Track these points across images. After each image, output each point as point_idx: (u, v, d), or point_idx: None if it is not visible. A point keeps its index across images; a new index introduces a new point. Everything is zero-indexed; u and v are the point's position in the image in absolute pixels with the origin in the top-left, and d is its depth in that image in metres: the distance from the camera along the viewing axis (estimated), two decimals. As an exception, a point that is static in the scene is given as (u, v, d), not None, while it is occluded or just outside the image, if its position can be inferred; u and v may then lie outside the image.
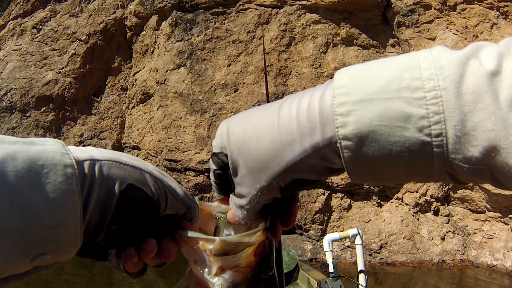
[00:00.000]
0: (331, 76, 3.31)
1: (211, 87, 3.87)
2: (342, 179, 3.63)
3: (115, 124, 4.31)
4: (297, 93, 0.26)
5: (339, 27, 3.99)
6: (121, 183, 0.25)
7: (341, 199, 3.74)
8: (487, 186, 3.83)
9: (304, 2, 3.95)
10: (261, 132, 0.26)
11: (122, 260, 0.28)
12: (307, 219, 3.73)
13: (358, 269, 1.65)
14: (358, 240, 1.70)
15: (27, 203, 0.22)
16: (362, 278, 1.62)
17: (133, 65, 4.56)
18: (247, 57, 3.87)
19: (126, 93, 4.45)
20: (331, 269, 1.59)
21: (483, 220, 4.06)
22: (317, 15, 3.97)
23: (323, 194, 3.71)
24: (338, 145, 0.22)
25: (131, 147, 4.32)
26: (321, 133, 0.23)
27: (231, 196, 0.29)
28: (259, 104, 3.44)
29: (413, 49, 4.22)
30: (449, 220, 4.02)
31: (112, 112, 4.33)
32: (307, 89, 0.25)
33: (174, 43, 4.19)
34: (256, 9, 4.00)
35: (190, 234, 0.30)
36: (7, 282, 0.23)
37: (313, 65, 3.79)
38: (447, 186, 4.03)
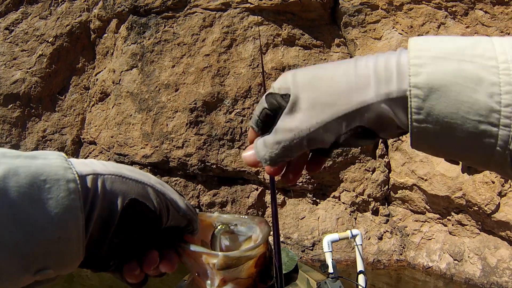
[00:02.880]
0: (268, 76, 3.91)
1: (156, 87, 4.57)
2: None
3: (76, 121, 5.14)
4: (369, 55, 0.28)
5: (281, 28, 4.55)
6: (124, 198, 0.28)
7: (273, 195, 4.29)
8: (425, 186, 4.22)
9: (247, 5, 4.55)
10: (335, 74, 0.27)
11: (124, 271, 0.31)
12: (241, 213, 4.30)
13: (358, 270, 1.76)
14: (358, 241, 1.80)
15: (29, 219, 0.23)
16: (361, 279, 1.73)
17: (96, 66, 5.38)
18: (189, 59, 4.53)
19: (88, 92, 5.27)
20: (330, 269, 1.69)
21: (422, 221, 4.43)
22: (260, 17, 4.55)
23: (256, 190, 4.28)
24: (408, 92, 0.24)
25: (88, 142, 5.13)
26: (397, 83, 0.25)
27: (262, 138, 0.31)
28: (195, 104, 4.07)
29: (359, 49, 4.68)
30: (387, 220, 4.43)
31: (74, 110, 5.18)
32: (379, 53, 0.27)
33: (129, 45, 4.95)
34: (202, 12, 4.66)
35: (193, 248, 0.33)
36: None
37: (250, 65, 4.38)
38: (386, 186, 4.44)
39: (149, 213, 0.30)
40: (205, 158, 4.24)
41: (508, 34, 4.74)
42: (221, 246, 0.36)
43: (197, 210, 0.38)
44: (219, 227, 0.36)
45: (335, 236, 1.81)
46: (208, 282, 0.33)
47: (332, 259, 1.73)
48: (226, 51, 4.50)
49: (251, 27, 4.57)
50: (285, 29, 4.55)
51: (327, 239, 1.78)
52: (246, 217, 0.38)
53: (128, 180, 0.29)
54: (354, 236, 1.81)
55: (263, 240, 0.34)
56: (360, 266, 1.76)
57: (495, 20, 4.76)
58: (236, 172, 4.24)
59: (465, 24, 4.74)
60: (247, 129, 4.24)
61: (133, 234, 0.30)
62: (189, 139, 4.29)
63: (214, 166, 4.25)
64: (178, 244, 0.34)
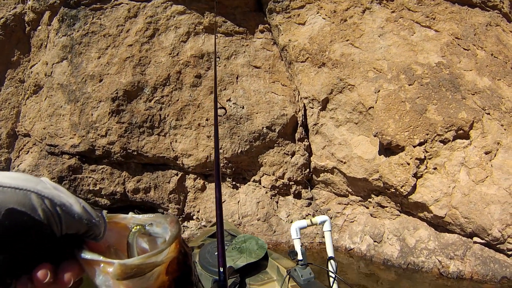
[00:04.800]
0: (186, 64, 4.41)
1: (83, 78, 5.04)
2: (191, 160, 4.63)
3: (11, 114, 5.64)
4: None
5: (203, 16, 4.99)
6: (0, 209, 0.27)
7: (194, 180, 4.75)
8: (344, 169, 4.64)
9: (171, -5, 5.00)
10: None
11: None
12: (163, 198, 4.78)
13: (328, 255, 1.83)
14: (327, 227, 1.86)
15: None
16: (332, 264, 1.81)
17: (31, 59, 5.87)
18: (113, 50, 5.00)
19: (23, 85, 5.76)
20: (299, 256, 1.77)
21: (345, 204, 4.86)
22: (183, 6, 5.01)
23: (176, 175, 4.75)
24: None
25: (23, 134, 5.62)
26: None
27: None
28: (117, 93, 4.56)
29: (282, 34, 5.11)
30: (310, 203, 4.86)
31: (9, 103, 5.67)
32: None
33: (60, 38, 5.43)
34: (127, 3, 5.12)
35: (84, 255, 0.31)
36: None
37: (170, 54, 4.83)
38: (307, 169, 4.87)
39: (33, 222, 0.28)
40: (127, 145, 4.70)
41: (434, 19, 5.12)
42: (138, 251, 0.34)
43: (105, 212, 0.36)
44: (133, 230, 0.35)
45: (303, 222, 1.84)
46: None
47: (300, 246, 1.78)
48: (149, 40, 4.96)
49: (174, 17, 5.03)
50: (207, 17, 4.99)
51: (295, 225, 1.81)
52: (160, 216, 0.37)
53: (6, 188, 0.28)
54: (322, 223, 1.85)
55: (168, 244, 0.32)
56: (330, 252, 1.83)
57: (421, 5, 5.17)
58: (156, 158, 4.70)
59: (391, 9, 5.15)
60: (166, 116, 4.70)
61: (18, 248, 0.29)
62: (112, 128, 4.76)
63: (135, 153, 4.71)
64: (72, 252, 0.32)
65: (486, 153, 4.43)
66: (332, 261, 1.80)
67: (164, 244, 0.33)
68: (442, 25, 5.11)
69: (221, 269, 1.07)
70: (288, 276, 1.78)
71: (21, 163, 5.40)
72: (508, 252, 4.04)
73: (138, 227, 0.36)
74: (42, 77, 5.59)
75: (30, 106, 5.66)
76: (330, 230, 1.87)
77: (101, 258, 0.31)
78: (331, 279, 1.78)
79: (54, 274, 0.31)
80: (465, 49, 5.00)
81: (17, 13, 5.76)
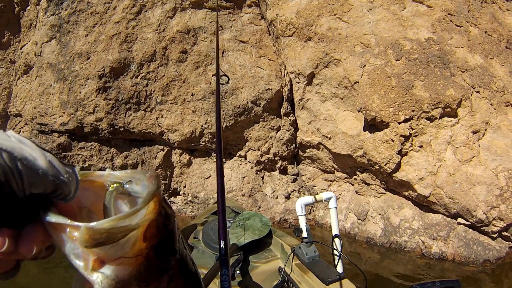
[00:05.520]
0: (172, 40, 4.56)
1: (71, 56, 5.22)
2: (177, 136, 4.80)
3: (3, 95, 5.87)
4: None
5: (189, -8, 5.11)
6: None
7: (180, 155, 4.92)
8: (329, 145, 4.75)
9: (157, -29, 5.12)
10: None
11: None
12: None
13: (333, 234, 1.82)
14: (332, 204, 1.84)
15: None
16: (337, 243, 1.81)
17: (21, 39, 6.07)
18: (100, 27, 5.16)
19: (14, 66, 5.98)
20: (304, 234, 1.76)
21: (331, 180, 4.98)
22: (169, -18, 5.12)
23: (162, 150, 4.93)
24: None
25: (14, 115, 5.85)
26: None
27: None
28: (104, 70, 4.70)
29: (270, 9, 5.20)
30: (296, 179, 5.00)
31: (0, 84, 5.91)
32: None
33: (49, 17, 5.61)
34: (113, -20, 5.26)
35: (49, 218, 0.28)
36: None
37: (157, 30, 4.97)
38: (293, 145, 5.00)
39: None
40: (114, 121, 4.89)
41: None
42: (117, 214, 0.30)
43: (78, 168, 0.33)
44: (110, 189, 0.32)
45: (308, 199, 1.81)
46: (80, 264, 0.28)
47: (306, 223, 1.75)
48: (135, 17, 5.11)
49: (160, -7, 5.15)
50: (193, -7, 5.11)
51: (300, 202, 1.79)
52: (139, 172, 0.33)
53: None
54: (328, 199, 1.83)
55: (144, 203, 0.29)
56: (335, 230, 1.82)
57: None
58: (143, 133, 4.88)
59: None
60: (152, 92, 4.87)
61: None
62: (99, 105, 4.94)
63: (122, 129, 4.90)
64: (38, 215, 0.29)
65: (474, 132, 4.45)
66: (337, 239, 1.79)
67: (139, 204, 0.29)
68: (435, 0, 5.14)
69: (222, 244, 0.95)
70: (292, 253, 1.77)
71: (12, 141, 5.63)
72: (492, 235, 4.07)
73: (115, 185, 0.32)
74: (32, 57, 5.79)
75: (21, 87, 5.88)
76: (335, 207, 1.84)
77: (68, 221, 0.28)
78: (336, 258, 1.77)
79: (14, 241, 0.28)
80: (458, 26, 5.02)
81: (6, -6, 5.97)
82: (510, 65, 4.95)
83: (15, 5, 6.03)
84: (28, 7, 5.96)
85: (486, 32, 5.10)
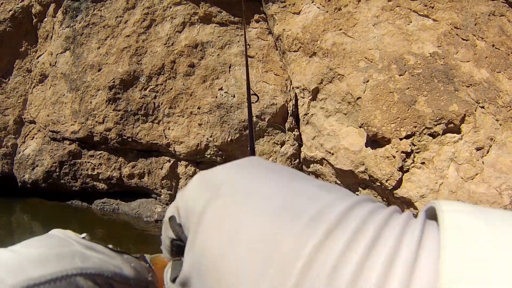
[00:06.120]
0: (180, 54, 4.87)
1: (83, 68, 5.55)
2: (183, 148, 5.05)
3: (19, 102, 6.25)
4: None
5: (198, 6, 5.38)
6: None
7: (186, 167, 5.16)
8: (332, 160, 4.91)
9: (168, -14, 5.42)
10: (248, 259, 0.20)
11: None
12: (156, 184, 5.23)
13: None
14: None
15: None
16: None
17: (38, 49, 6.46)
18: (112, 40, 5.48)
19: (30, 75, 6.36)
20: None
21: (334, 194, 5.12)
22: (179, -3, 5.41)
23: (169, 161, 5.18)
24: None
25: (29, 121, 6.22)
26: None
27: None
28: (114, 82, 5.05)
29: (277, 24, 5.42)
30: (299, 193, 5.17)
31: (17, 92, 6.29)
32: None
33: (64, 29, 5.97)
34: (126, -5, 5.58)
35: None
36: None
37: (166, 44, 5.25)
38: (297, 160, 5.18)
39: None
40: (122, 132, 5.17)
41: (432, 8, 5.28)
42: None
43: (148, 257, 0.33)
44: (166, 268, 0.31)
45: None
46: None
47: None
48: (145, 31, 5.40)
49: (170, 7, 5.44)
50: (202, 8, 5.37)
51: None
52: None
53: (43, 286, 0.25)
54: None
55: None
56: None
57: (420, -9, 5.33)
58: (150, 144, 5.15)
59: (388, -4, 5.34)
60: (160, 104, 5.14)
61: None
62: (109, 115, 5.24)
63: (130, 140, 5.18)
64: None
65: (478, 149, 4.51)
66: None
67: None
68: (441, 14, 5.26)
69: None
70: None
71: (26, 148, 5.99)
72: None
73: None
74: (47, 66, 6.16)
75: (36, 95, 6.25)
76: None
77: None
78: None
79: None
80: (464, 39, 5.13)
81: (24, 6, 6.35)
82: (519, 81, 4.99)
83: (33, 16, 6.42)
84: (45, 19, 6.34)
85: (493, 45, 5.17)
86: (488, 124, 4.63)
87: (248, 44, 5.38)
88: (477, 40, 5.16)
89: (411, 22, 5.21)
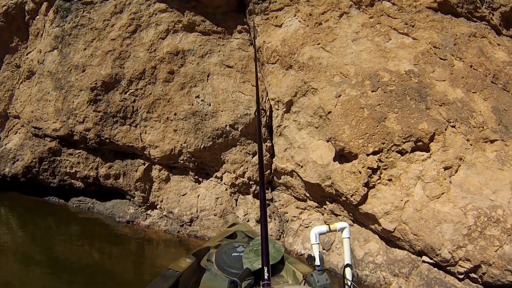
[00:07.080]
0: (161, 60, 5.21)
1: (69, 67, 5.91)
2: (157, 152, 5.36)
3: (5, 96, 6.64)
4: None
5: (183, 15, 5.72)
6: None
7: (159, 171, 5.48)
8: (300, 172, 5.17)
9: (155, -7, 5.77)
10: None
11: None
12: (131, 186, 5.55)
13: (345, 263, 1.91)
14: (345, 234, 1.98)
15: None
16: (348, 272, 1.88)
17: (28, 46, 6.85)
18: (98, 43, 5.83)
19: (18, 70, 6.76)
20: (317, 262, 1.85)
21: (302, 208, 5.38)
22: (165, 4, 5.76)
23: (143, 164, 5.49)
24: None
25: (13, 116, 6.60)
26: None
27: None
28: (96, 83, 5.38)
29: (259, 35, 5.73)
30: (269, 204, 5.45)
31: (4, 86, 6.68)
32: None
33: (54, 28, 6.35)
34: (115, -1, 5.94)
35: None
36: None
37: (148, 49, 5.59)
38: (268, 170, 5.46)
39: None
40: (100, 133, 5.51)
41: (413, 26, 5.53)
42: None
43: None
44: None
45: (323, 228, 1.94)
46: None
47: (319, 252, 1.86)
48: (130, 36, 5.75)
49: (156, 14, 5.78)
50: (187, 16, 5.71)
51: (314, 231, 1.92)
52: None
53: None
54: (342, 229, 1.96)
55: None
56: (347, 260, 1.91)
57: (401, 12, 5.60)
58: (126, 147, 5.47)
59: (369, 14, 5.61)
60: (139, 108, 5.46)
61: None
62: (89, 115, 5.58)
63: (108, 141, 5.51)
64: None
65: (446, 168, 4.64)
66: (348, 268, 1.87)
67: None
68: (421, 33, 5.49)
69: (265, 269, 1.22)
70: (304, 281, 1.86)
71: (8, 142, 6.37)
72: (459, 276, 4.14)
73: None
74: (35, 64, 6.54)
75: (22, 90, 6.63)
76: (348, 237, 1.97)
77: None
78: (347, 287, 1.87)
79: None
80: (442, 59, 5.34)
81: (18, 2, 6.76)
82: (494, 100, 5.05)
83: (26, 13, 6.82)
84: (37, 17, 6.74)
85: (471, 66, 5.33)
86: (458, 143, 4.78)
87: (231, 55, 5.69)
88: (455, 60, 5.37)
89: (390, 39, 5.45)
